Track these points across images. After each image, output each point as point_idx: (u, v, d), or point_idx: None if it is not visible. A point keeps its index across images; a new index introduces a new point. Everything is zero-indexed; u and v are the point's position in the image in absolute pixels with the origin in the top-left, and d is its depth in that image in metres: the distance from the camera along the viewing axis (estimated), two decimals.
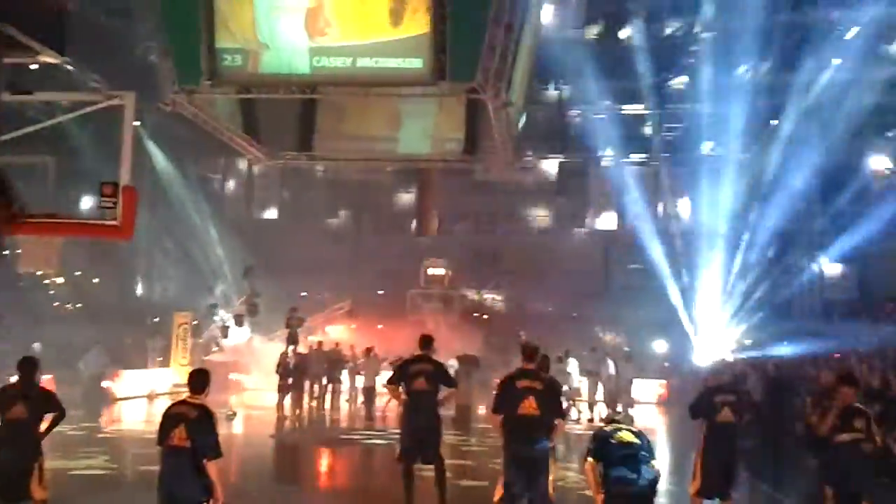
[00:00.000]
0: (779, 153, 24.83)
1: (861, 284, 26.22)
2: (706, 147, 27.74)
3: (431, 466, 9.02)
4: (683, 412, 9.01)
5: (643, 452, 6.72)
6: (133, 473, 10.82)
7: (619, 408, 21.15)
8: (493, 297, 32.31)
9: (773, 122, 25.30)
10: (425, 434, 8.97)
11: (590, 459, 6.90)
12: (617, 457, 6.64)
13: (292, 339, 21.33)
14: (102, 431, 15.74)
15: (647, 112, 26.64)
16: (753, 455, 13.51)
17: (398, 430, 9.44)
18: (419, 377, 9.04)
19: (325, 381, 21.34)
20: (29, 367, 7.52)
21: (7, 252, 22.93)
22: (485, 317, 30.29)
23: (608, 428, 7.11)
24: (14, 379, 7.59)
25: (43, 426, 7.33)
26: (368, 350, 20.56)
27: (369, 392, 19.91)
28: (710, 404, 8.44)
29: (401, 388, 9.20)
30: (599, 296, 30.05)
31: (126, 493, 9.53)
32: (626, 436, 6.77)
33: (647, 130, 28.27)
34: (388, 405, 19.36)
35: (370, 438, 16.46)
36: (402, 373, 9.29)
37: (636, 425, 7.05)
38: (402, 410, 9.29)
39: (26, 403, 7.24)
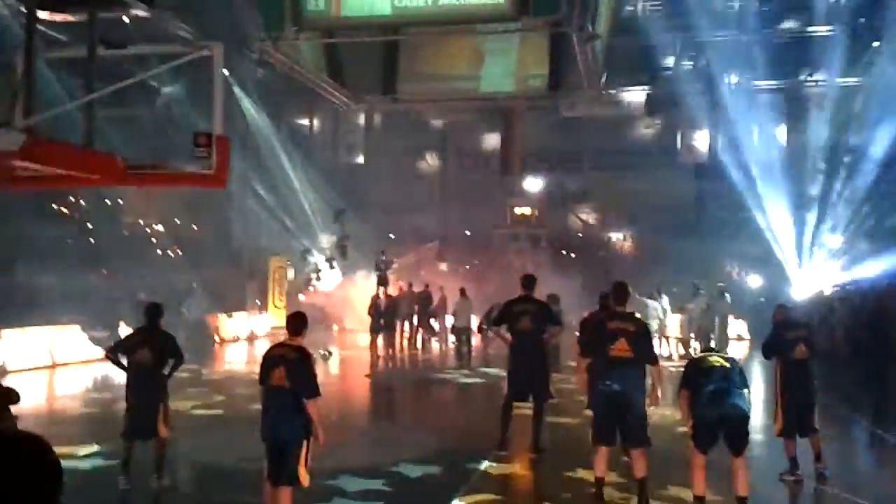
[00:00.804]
0: (882, 74, 23.49)
1: None
2: (803, 72, 26.52)
3: (529, 404, 9.13)
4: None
5: (735, 378, 6.67)
6: (241, 412, 11.28)
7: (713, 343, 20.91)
8: (580, 235, 32.06)
9: (875, 44, 23.89)
10: (533, 373, 9.06)
11: (683, 390, 6.88)
12: (707, 381, 6.62)
13: (382, 281, 21.71)
14: (209, 373, 16.43)
15: (740, 36, 25.46)
16: (853, 389, 13.19)
17: (504, 371, 9.55)
18: (524, 317, 9.10)
19: (415, 321, 21.71)
20: (154, 312, 7.97)
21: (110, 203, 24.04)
22: (572, 255, 30.11)
23: (700, 356, 7.10)
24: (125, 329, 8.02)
25: (166, 370, 7.77)
26: (462, 291, 20.58)
27: (461, 333, 19.96)
28: (783, 341, 8.25)
29: (504, 329, 9.32)
30: (692, 230, 29.44)
31: (236, 430, 9.98)
32: (717, 360, 6.75)
33: (742, 55, 27.16)
34: (484, 346, 19.58)
35: (463, 378, 16.72)
36: (507, 313, 9.35)
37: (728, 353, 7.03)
38: (509, 351, 9.38)
39: (151, 348, 7.70)
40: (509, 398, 9.17)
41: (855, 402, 12.66)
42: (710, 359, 6.84)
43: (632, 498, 7.19)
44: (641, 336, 7.30)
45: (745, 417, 6.70)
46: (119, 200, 24.54)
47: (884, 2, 22.22)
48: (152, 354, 7.70)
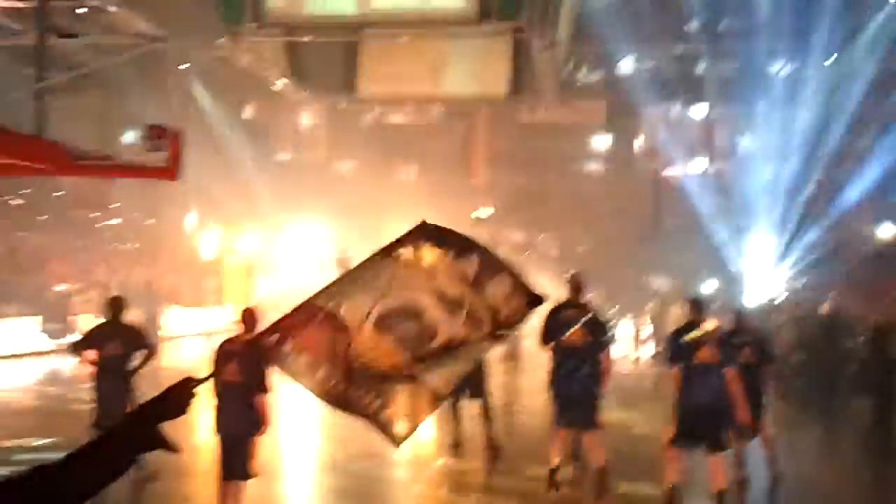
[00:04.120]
0: (832, 89, 24.04)
1: None
2: (759, 87, 26.99)
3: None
4: None
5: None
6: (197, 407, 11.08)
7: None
8: (540, 239, 32.25)
9: (827, 63, 24.41)
10: (471, 372, 9.02)
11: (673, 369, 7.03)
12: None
13: None
14: (161, 368, 16.14)
15: (696, 50, 25.83)
16: (805, 394, 13.44)
17: None
18: None
19: None
20: (117, 305, 7.88)
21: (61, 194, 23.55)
22: (534, 257, 30.27)
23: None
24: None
25: (133, 363, 7.70)
26: None
27: None
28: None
29: None
30: (649, 238, 29.79)
31: (185, 424, 9.79)
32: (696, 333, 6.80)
33: (698, 69, 27.58)
34: None
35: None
36: None
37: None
38: None
39: (120, 340, 7.66)
40: (452, 396, 9.10)
41: (806, 406, 12.90)
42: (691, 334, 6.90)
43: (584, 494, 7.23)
44: (594, 324, 7.50)
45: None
46: (76, 193, 24.04)
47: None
48: (122, 347, 7.62)
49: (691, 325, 7.17)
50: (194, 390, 1.98)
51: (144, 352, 7.75)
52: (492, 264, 2.32)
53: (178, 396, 1.98)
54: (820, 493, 8.05)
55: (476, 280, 2.32)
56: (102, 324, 8.07)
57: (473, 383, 9.04)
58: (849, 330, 15.01)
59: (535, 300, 2.37)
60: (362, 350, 2.21)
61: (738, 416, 6.97)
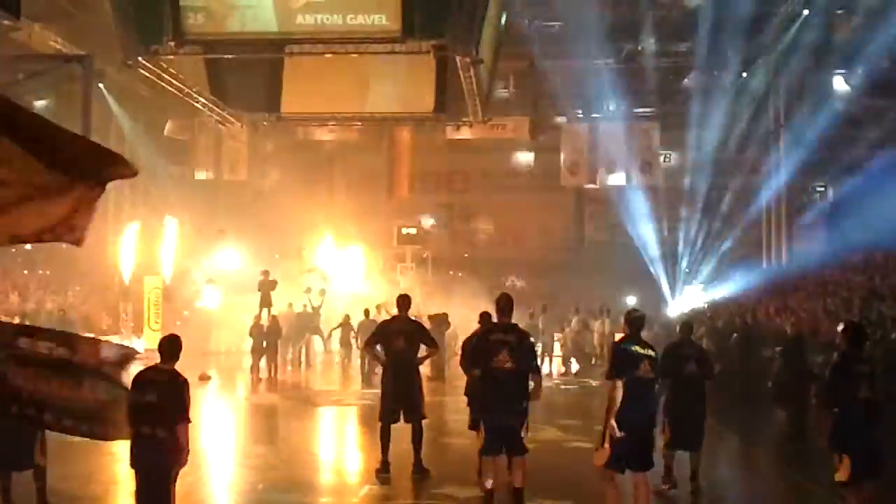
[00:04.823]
0: (751, 106, 24.89)
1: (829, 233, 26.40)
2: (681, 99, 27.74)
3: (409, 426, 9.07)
4: None
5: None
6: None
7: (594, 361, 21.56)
8: (466, 256, 32.38)
9: (744, 75, 25.27)
10: (406, 394, 8.99)
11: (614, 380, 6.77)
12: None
13: (265, 302, 21.22)
14: None
15: (620, 66, 26.40)
16: (723, 406, 13.72)
17: (378, 391, 9.45)
18: (399, 337, 9.06)
19: (299, 343, 21.47)
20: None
21: None
22: (459, 275, 30.36)
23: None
24: None
25: None
26: (366, 312, 19.98)
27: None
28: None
29: (379, 349, 9.26)
30: (571, 252, 30.28)
31: (103, 457, 9.46)
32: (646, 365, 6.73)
33: (621, 83, 28.16)
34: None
35: (349, 399, 16.54)
36: (382, 333, 9.31)
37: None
38: (383, 371, 9.31)
39: None
40: (383, 420, 9.06)
41: (725, 418, 13.20)
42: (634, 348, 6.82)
43: None
44: (522, 347, 7.41)
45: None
46: None
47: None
48: None
49: (630, 339, 6.96)
50: None
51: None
52: None
53: None
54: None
55: None
56: None
57: (409, 405, 9.00)
58: (764, 341, 15.45)
59: None
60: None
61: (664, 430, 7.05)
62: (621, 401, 6.62)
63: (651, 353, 6.83)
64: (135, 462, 5.97)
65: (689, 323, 9.82)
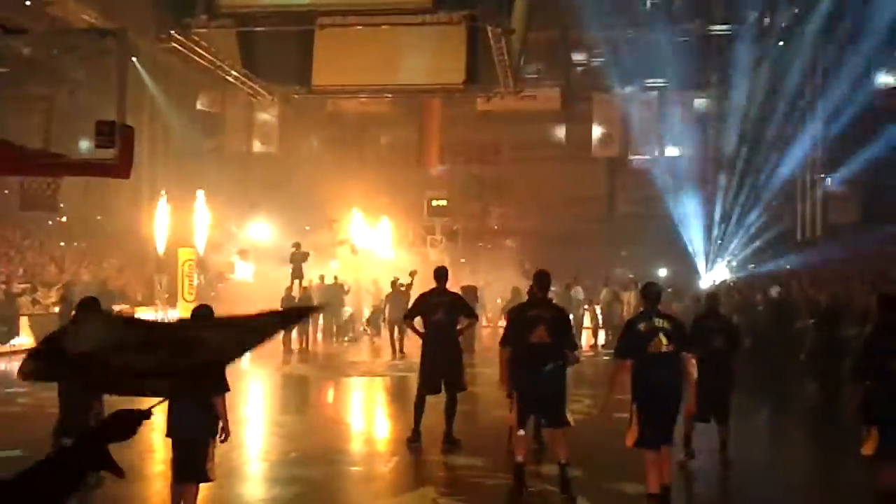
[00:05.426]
0: (787, 77, 24.45)
1: (864, 206, 26.05)
2: (713, 72, 27.36)
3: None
4: None
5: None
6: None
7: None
8: (496, 228, 32.39)
9: (780, 44, 24.82)
10: (447, 365, 9.10)
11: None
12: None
13: (297, 274, 21.44)
14: None
15: (654, 35, 26.04)
16: (755, 380, 13.67)
17: (418, 362, 9.55)
18: (438, 309, 9.15)
19: (329, 314, 21.68)
20: (90, 306, 7.67)
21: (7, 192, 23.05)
22: (489, 247, 30.39)
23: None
24: None
25: None
26: (394, 282, 19.92)
27: (394, 325, 18.90)
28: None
29: (418, 322, 9.38)
30: (603, 224, 30.12)
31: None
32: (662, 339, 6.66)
33: (654, 54, 27.86)
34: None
35: (379, 371, 16.72)
36: (421, 306, 9.41)
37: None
38: (423, 343, 9.39)
39: None
40: (422, 391, 9.19)
41: (756, 391, 13.14)
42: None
43: (553, 489, 7.30)
44: (559, 322, 7.45)
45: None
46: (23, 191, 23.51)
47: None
48: None
49: (643, 313, 6.91)
50: (141, 419, 2.05)
51: None
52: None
53: (125, 422, 2.03)
54: (768, 479, 8.25)
55: None
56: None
57: (450, 376, 9.09)
58: (798, 313, 15.30)
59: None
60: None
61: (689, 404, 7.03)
62: (634, 379, 6.65)
63: (667, 325, 6.73)
64: (171, 430, 6.04)
65: (714, 295, 9.79)
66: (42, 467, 1.92)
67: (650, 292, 7.02)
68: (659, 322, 6.72)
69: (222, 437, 6.08)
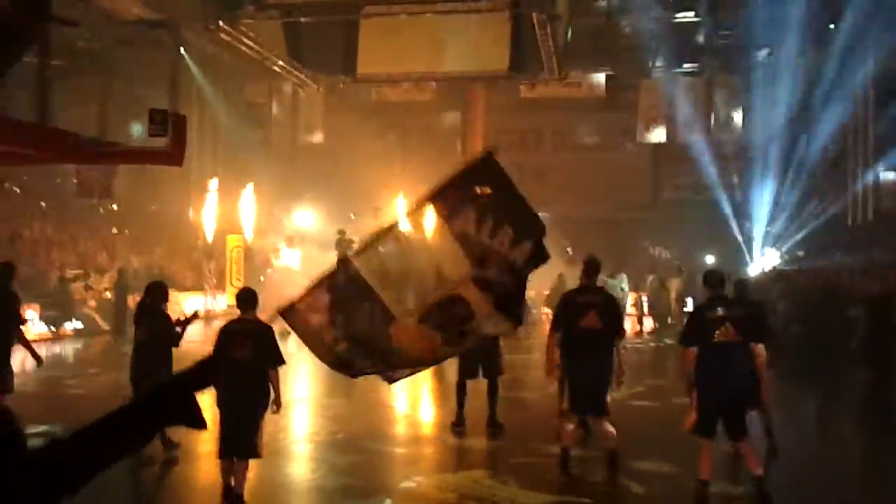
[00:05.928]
0: (835, 59, 23.91)
1: None
2: (760, 55, 26.85)
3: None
4: None
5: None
6: None
7: (669, 320, 21.39)
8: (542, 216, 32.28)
9: (831, 26, 24.27)
10: (485, 351, 9.14)
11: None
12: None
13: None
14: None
15: (698, 19, 25.64)
16: (802, 368, 13.51)
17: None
18: None
19: None
20: (155, 291, 8.08)
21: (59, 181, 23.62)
22: None
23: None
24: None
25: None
26: None
27: None
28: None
29: None
30: (648, 210, 29.85)
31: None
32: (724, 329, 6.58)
33: (700, 39, 27.48)
34: None
35: None
36: None
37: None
38: None
39: (144, 327, 7.84)
40: (462, 376, 9.25)
41: (804, 380, 12.99)
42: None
43: (596, 472, 7.35)
44: (609, 308, 7.52)
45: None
46: (74, 180, 24.09)
47: None
48: (148, 332, 7.75)
49: (714, 300, 6.75)
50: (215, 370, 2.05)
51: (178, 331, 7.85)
52: (490, 214, 2.39)
53: (206, 370, 2.04)
54: (816, 467, 8.16)
55: (477, 233, 2.39)
56: (141, 304, 8.22)
57: (488, 362, 9.16)
58: (849, 300, 15.05)
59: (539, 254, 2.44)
60: (402, 339, 2.29)
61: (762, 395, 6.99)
62: (698, 367, 6.59)
63: (737, 313, 6.66)
64: (222, 401, 6.14)
65: (743, 282, 9.67)
66: (126, 410, 1.91)
67: (710, 278, 6.93)
68: (725, 311, 6.63)
69: (274, 409, 6.24)
